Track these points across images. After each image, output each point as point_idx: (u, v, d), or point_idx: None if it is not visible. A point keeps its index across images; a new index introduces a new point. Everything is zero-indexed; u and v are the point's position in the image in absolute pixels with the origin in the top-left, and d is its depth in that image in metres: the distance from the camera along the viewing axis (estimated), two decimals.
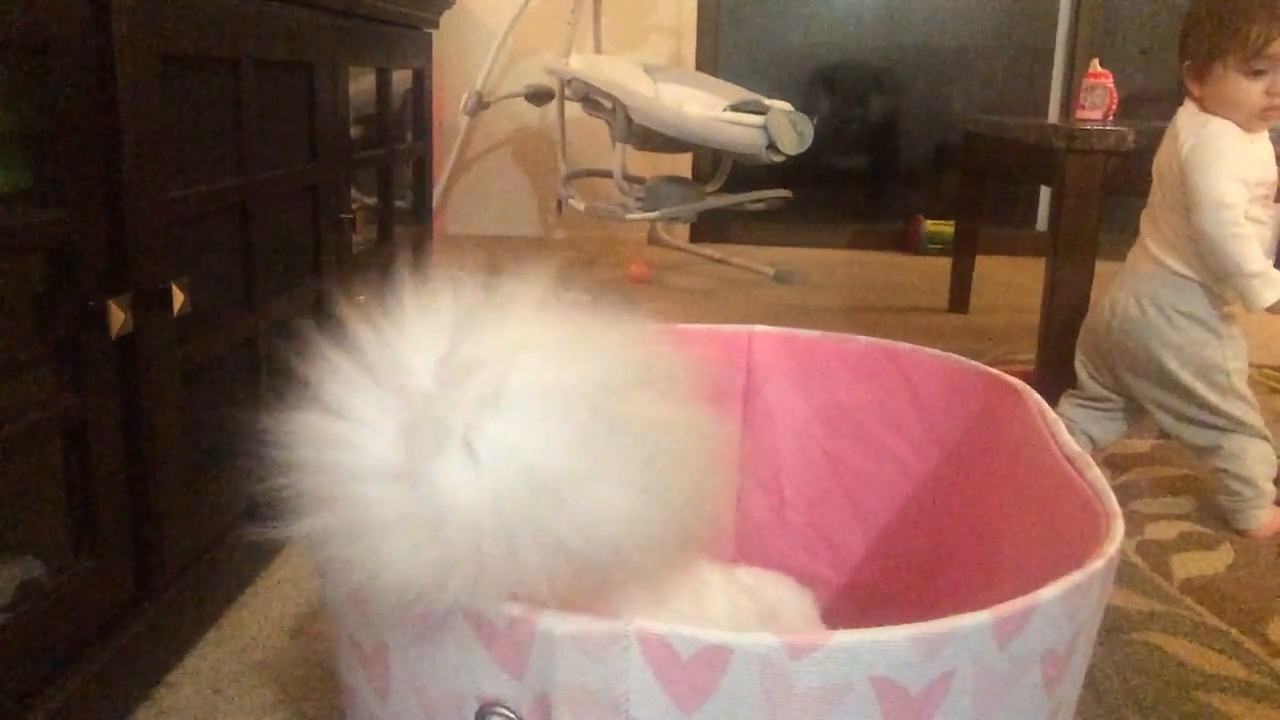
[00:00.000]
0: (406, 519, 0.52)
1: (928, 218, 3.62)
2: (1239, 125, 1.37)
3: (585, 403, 0.55)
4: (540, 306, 0.59)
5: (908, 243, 3.69)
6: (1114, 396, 1.53)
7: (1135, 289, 1.45)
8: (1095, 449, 1.56)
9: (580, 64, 2.55)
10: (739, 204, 2.63)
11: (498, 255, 3.32)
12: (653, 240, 3.43)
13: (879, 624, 0.51)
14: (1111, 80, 2.18)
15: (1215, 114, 1.39)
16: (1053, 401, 1.23)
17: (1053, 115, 3.61)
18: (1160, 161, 1.46)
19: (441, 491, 0.52)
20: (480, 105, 3.04)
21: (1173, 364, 1.41)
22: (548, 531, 0.53)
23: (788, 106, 2.44)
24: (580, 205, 2.64)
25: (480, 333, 0.56)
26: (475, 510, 0.52)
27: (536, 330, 0.58)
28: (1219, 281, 1.38)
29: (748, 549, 1.08)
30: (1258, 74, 1.34)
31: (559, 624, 0.51)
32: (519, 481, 0.52)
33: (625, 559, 0.55)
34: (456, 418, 0.53)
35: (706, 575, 0.79)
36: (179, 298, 0.95)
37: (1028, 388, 0.90)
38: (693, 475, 0.59)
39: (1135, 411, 1.53)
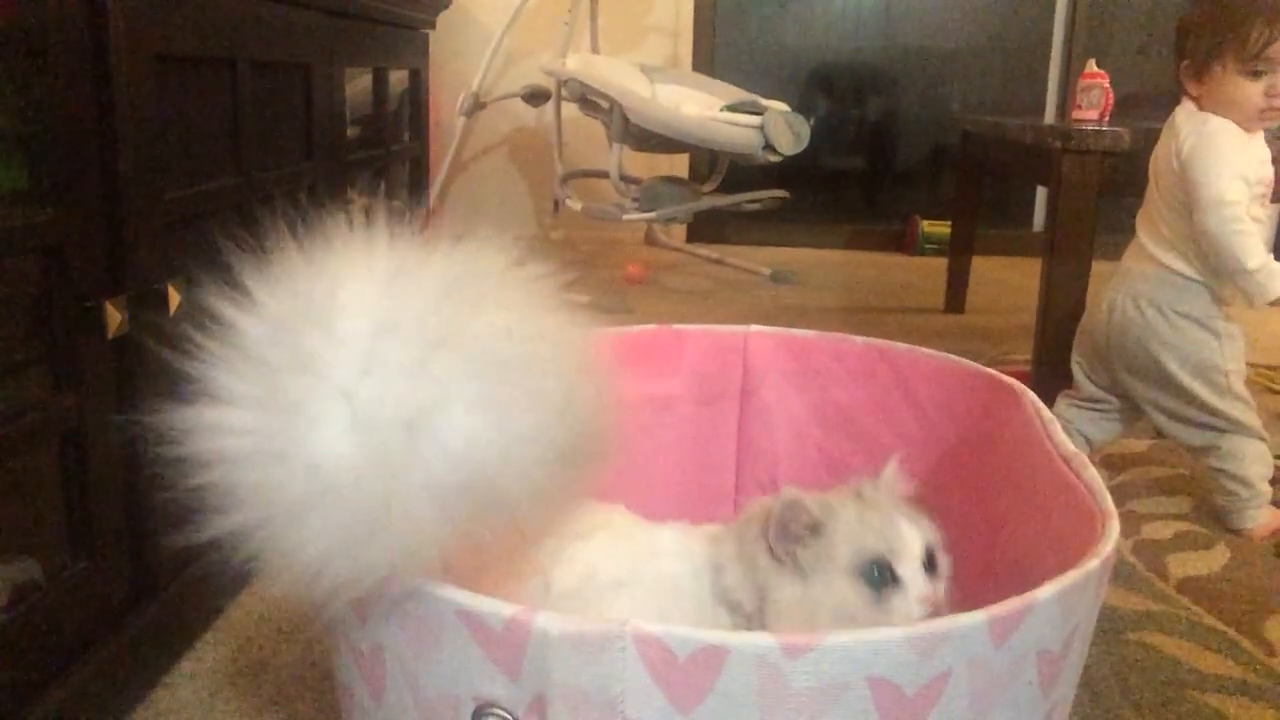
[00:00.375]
0: (300, 497, 0.51)
1: (924, 218, 3.62)
2: (1237, 125, 1.37)
3: (420, 332, 0.53)
4: (368, 247, 0.58)
5: (904, 243, 3.69)
6: (1110, 397, 1.53)
7: (1133, 290, 1.45)
8: (1091, 449, 1.56)
9: (577, 64, 2.55)
10: (736, 204, 2.63)
11: None
12: (650, 241, 3.43)
13: None
14: (1108, 80, 2.18)
15: (1213, 113, 1.39)
16: (1049, 402, 1.24)
17: (1049, 115, 3.61)
18: (1158, 161, 1.46)
19: (324, 461, 0.51)
20: (477, 106, 3.04)
21: (1171, 365, 1.41)
22: (426, 475, 0.52)
23: (784, 107, 2.44)
24: (577, 206, 2.63)
25: (309, 287, 0.55)
26: (362, 474, 0.51)
27: (361, 270, 0.56)
28: (1220, 279, 1.38)
29: None
30: (1257, 75, 1.34)
31: (555, 624, 0.51)
32: (390, 431, 0.52)
33: (499, 483, 0.54)
34: (317, 382, 0.52)
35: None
36: (175, 298, 0.95)
37: (1024, 388, 0.90)
38: (549, 380, 0.57)
39: (1131, 411, 1.53)
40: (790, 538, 0.73)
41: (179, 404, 0.53)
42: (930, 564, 0.75)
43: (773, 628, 0.72)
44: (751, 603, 0.74)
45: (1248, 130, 1.38)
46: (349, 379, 0.52)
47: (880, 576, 0.72)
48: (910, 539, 0.74)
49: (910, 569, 0.73)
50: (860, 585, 0.72)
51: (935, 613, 0.72)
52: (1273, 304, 1.33)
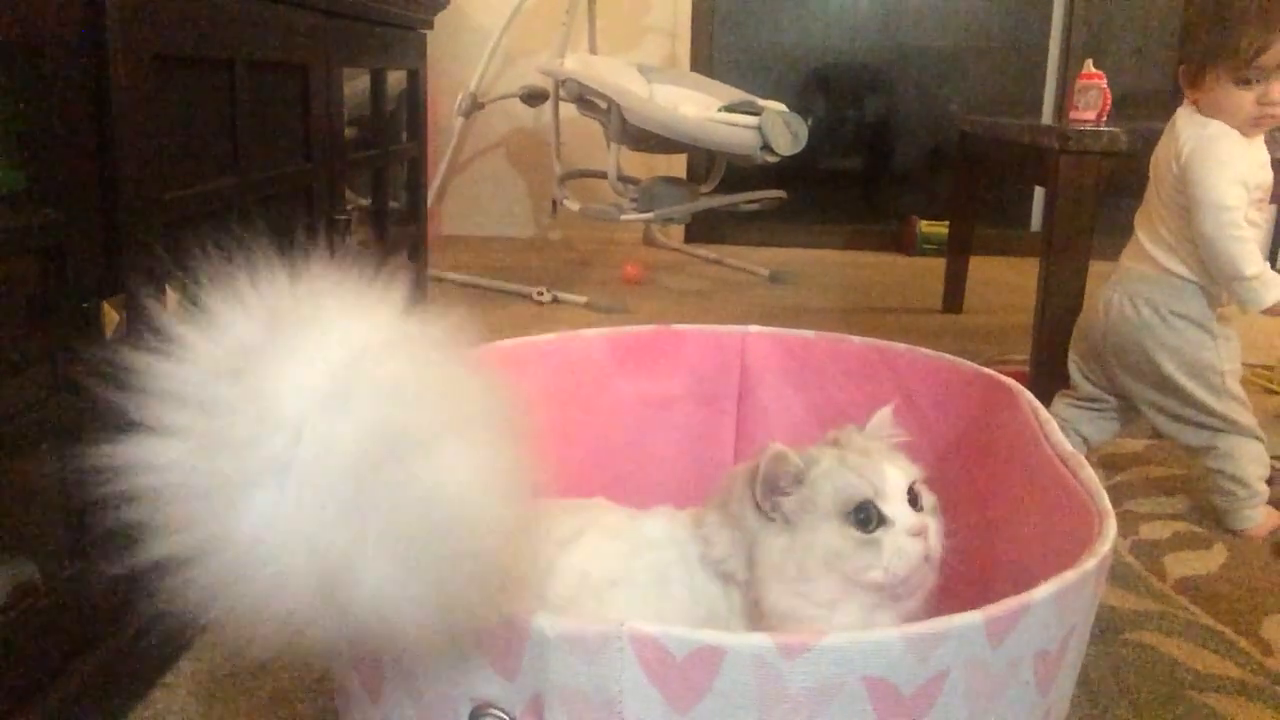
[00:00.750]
0: (223, 545, 0.50)
1: (922, 218, 3.63)
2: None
3: (364, 461, 0.50)
4: (347, 310, 0.54)
5: (903, 243, 3.70)
6: (1107, 396, 1.53)
7: (1130, 289, 1.45)
8: (1089, 449, 1.56)
9: (575, 64, 2.55)
10: (734, 205, 2.63)
11: (493, 256, 3.32)
12: (648, 241, 3.43)
13: None
14: (1105, 81, 2.18)
15: (1212, 117, 1.39)
16: (1046, 401, 1.24)
17: (1047, 116, 3.62)
18: (1158, 161, 1.46)
19: (259, 523, 0.49)
20: (475, 106, 3.04)
21: (1168, 365, 1.41)
22: (337, 620, 0.50)
23: (782, 107, 2.44)
24: (575, 206, 2.63)
25: (287, 348, 0.52)
26: (292, 551, 0.49)
27: (337, 349, 0.52)
28: (1215, 283, 1.38)
29: None
30: (1249, 83, 1.34)
31: (552, 625, 0.51)
32: (307, 571, 0.49)
33: (410, 631, 0.51)
34: (267, 447, 0.49)
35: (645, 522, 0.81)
36: (173, 299, 0.95)
37: (1022, 388, 0.90)
38: (472, 541, 0.52)
39: (1128, 411, 1.53)
40: (775, 490, 0.74)
41: (123, 432, 0.51)
42: (914, 502, 0.75)
43: (764, 587, 0.72)
44: (744, 570, 0.74)
45: (1245, 136, 1.38)
46: (280, 465, 0.49)
47: (867, 517, 0.73)
48: (893, 477, 0.75)
49: (896, 506, 0.73)
50: (847, 528, 0.72)
51: (928, 545, 0.73)
52: (1264, 312, 1.34)
